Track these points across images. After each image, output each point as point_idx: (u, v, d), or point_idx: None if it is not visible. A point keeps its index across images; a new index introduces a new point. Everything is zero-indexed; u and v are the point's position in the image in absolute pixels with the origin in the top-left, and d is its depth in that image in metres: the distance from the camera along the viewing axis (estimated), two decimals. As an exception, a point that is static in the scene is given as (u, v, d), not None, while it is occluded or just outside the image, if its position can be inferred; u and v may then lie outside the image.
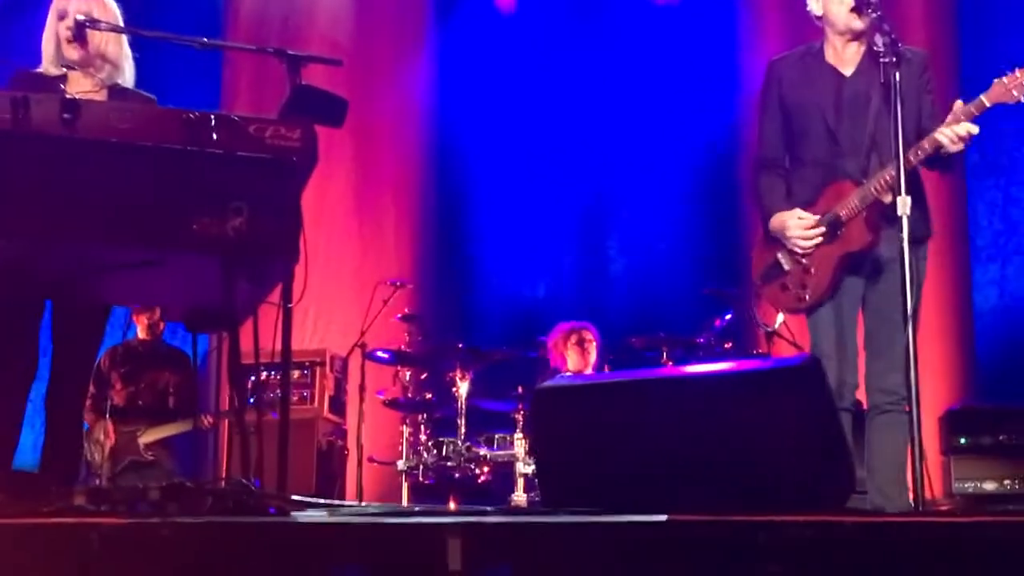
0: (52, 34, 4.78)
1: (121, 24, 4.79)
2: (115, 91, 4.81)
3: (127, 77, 4.93)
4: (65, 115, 3.56)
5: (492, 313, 10.11)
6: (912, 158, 4.73)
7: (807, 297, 5.03)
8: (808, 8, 5.18)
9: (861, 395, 5.00)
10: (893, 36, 4.69)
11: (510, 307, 10.14)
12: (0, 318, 4.49)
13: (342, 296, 9.62)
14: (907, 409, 4.34)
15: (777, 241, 5.12)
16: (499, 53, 10.48)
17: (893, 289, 4.58)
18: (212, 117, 3.72)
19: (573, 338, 8.40)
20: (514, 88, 10.41)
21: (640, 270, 10.12)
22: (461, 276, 10.31)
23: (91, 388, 7.70)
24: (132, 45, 4.97)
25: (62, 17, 4.74)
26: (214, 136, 3.68)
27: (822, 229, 4.99)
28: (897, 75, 4.59)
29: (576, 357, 8.36)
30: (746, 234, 8.96)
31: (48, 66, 4.77)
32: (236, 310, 3.96)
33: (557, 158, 10.37)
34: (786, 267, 5.09)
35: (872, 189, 4.86)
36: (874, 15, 4.84)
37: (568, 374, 8.09)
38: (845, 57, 5.11)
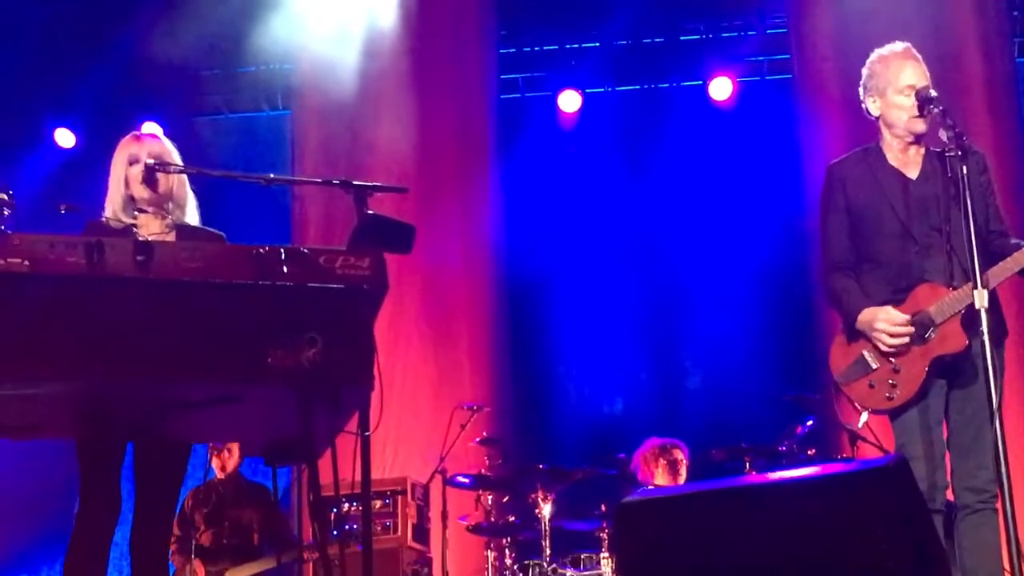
0: (120, 179, 4.87)
1: (182, 165, 4.89)
2: (184, 231, 4.89)
3: (192, 216, 5.00)
4: (139, 257, 3.59)
5: (571, 432, 10.05)
6: (994, 279, 4.69)
7: (895, 396, 4.93)
8: (863, 107, 5.16)
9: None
10: (958, 130, 4.65)
11: (589, 425, 10.08)
12: (82, 461, 4.52)
13: (420, 422, 9.59)
14: (999, 507, 4.23)
15: (861, 338, 5.04)
16: (563, 168, 10.60)
17: (977, 385, 4.50)
18: (282, 251, 3.74)
19: (664, 457, 8.31)
20: (580, 203, 10.49)
21: (716, 380, 10.05)
22: (538, 396, 10.29)
23: (176, 530, 7.73)
24: (206, 190, 5.06)
25: (132, 163, 4.84)
26: (284, 269, 3.69)
27: (911, 328, 4.91)
28: (964, 168, 4.55)
29: (666, 476, 8.27)
30: (819, 338, 8.86)
31: (117, 212, 4.86)
32: (314, 441, 3.93)
33: (626, 272, 10.39)
34: (873, 365, 5.00)
35: (965, 292, 4.78)
36: (936, 110, 4.81)
37: (651, 488, 7.95)
38: (908, 159, 5.07)
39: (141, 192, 4.81)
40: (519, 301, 10.51)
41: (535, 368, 10.40)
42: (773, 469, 7.68)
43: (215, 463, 8.37)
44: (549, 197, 10.55)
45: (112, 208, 4.88)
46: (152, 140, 4.94)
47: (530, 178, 10.62)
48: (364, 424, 3.89)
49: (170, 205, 4.89)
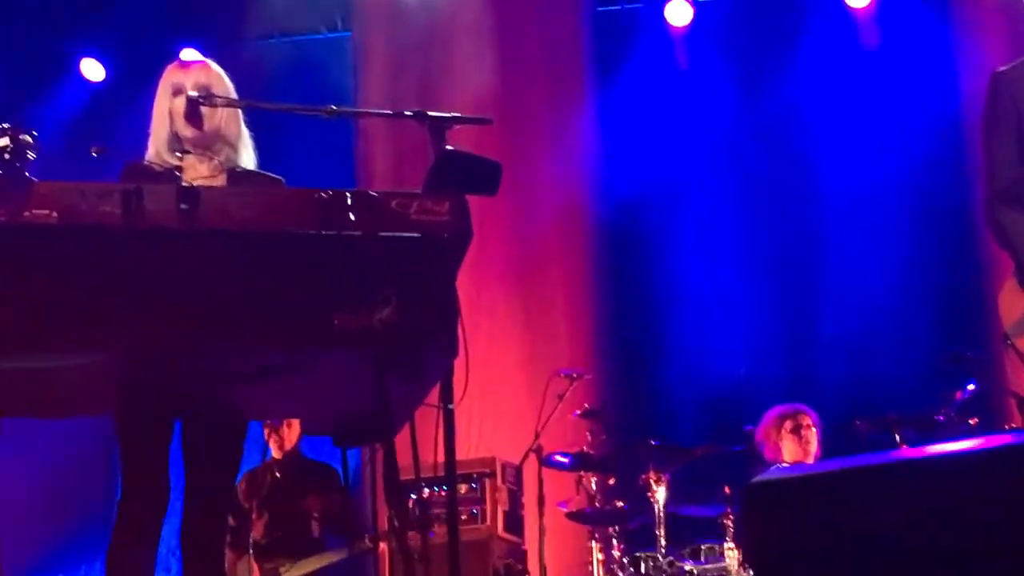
0: (164, 112, 4.88)
1: (236, 97, 4.90)
2: (236, 175, 4.90)
3: (247, 158, 5.03)
4: (183, 205, 3.63)
5: (687, 401, 10.01)
6: None
7: (1081, 354, 4.86)
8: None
9: None
10: None
11: (708, 393, 10.02)
12: (123, 444, 4.56)
13: (510, 393, 9.63)
14: None
15: (1038, 284, 4.95)
16: (672, 91, 10.50)
17: None
18: (348, 195, 3.76)
19: (787, 424, 8.28)
20: (693, 133, 10.41)
21: (858, 337, 9.93)
22: (647, 360, 10.25)
23: (231, 520, 7.81)
24: (254, 126, 5.08)
25: (177, 92, 4.86)
26: (351, 217, 3.72)
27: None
28: None
29: (793, 446, 8.23)
30: (983, 284, 8.76)
31: (161, 152, 4.88)
32: (390, 417, 3.96)
33: (748, 211, 10.31)
34: (1054, 315, 4.93)
35: None
36: None
37: (785, 466, 7.97)
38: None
39: (185, 129, 4.84)
40: (623, 248, 10.48)
41: (644, 327, 10.36)
42: (928, 443, 7.60)
43: (272, 441, 8.40)
44: (657, 126, 10.47)
45: (155, 147, 4.90)
46: (199, 68, 4.95)
47: (634, 104, 10.55)
48: (447, 395, 3.91)
49: (219, 144, 4.91)
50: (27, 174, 3.68)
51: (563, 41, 10.46)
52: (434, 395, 4.00)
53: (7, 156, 3.68)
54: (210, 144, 4.89)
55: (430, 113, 4.13)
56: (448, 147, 4.05)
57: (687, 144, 10.40)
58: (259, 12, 11.16)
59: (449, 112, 4.21)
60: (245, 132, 5.05)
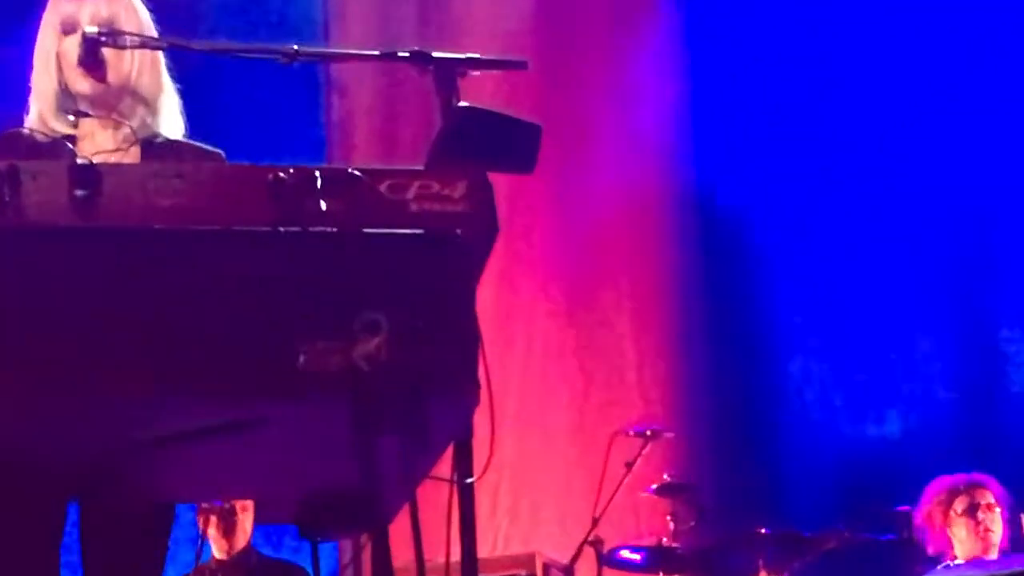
0: (50, 58, 4.89)
1: (156, 36, 4.89)
2: (154, 147, 4.90)
3: (171, 123, 5.02)
4: (77, 191, 3.60)
5: (812, 470, 10.03)
6: None
7: None
8: None
9: None
10: None
11: (841, 460, 10.06)
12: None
13: (556, 460, 9.63)
14: None
15: None
16: (784, 29, 10.49)
17: None
18: (317, 174, 3.72)
19: (960, 503, 8.23)
20: (816, 86, 10.39)
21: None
22: (753, 412, 10.25)
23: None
24: (182, 77, 5.07)
25: (68, 30, 4.85)
26: (322, 205, 3.68)
27: None
28: None
29: (968, 534, 8.18)
30: None
31: (46, 115, 4.88)
32: (381, 496, 3.93)
33: (899, 204, 10.32)
34: None
35: None
36: None
37: (958, 563, 7.96)
38: None
39: (80, 81, 4.83)
40: (717, 249, 10.51)
41: (748, 368, 10.38)
42: None
43: (212, 534, 8.40)
44: (763, 75, 10.48)
45: (38, 108, 4.90)
46: None
47: (738, 34, 10.55)
48: (464, 464, 3.88)
49: (130, 103, 4.91)
50: None
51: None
52: (445, 464, 3.96)
53: None
54: (117, 103, 4.89)
55: (435, 54, 4.09)
56: (463, 103, 4.02)
57: (808, 99, 10.41)
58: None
59: (464, 53, 4.18)
60: (169, 85, 5.05)
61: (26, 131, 4.88)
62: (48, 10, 4.91)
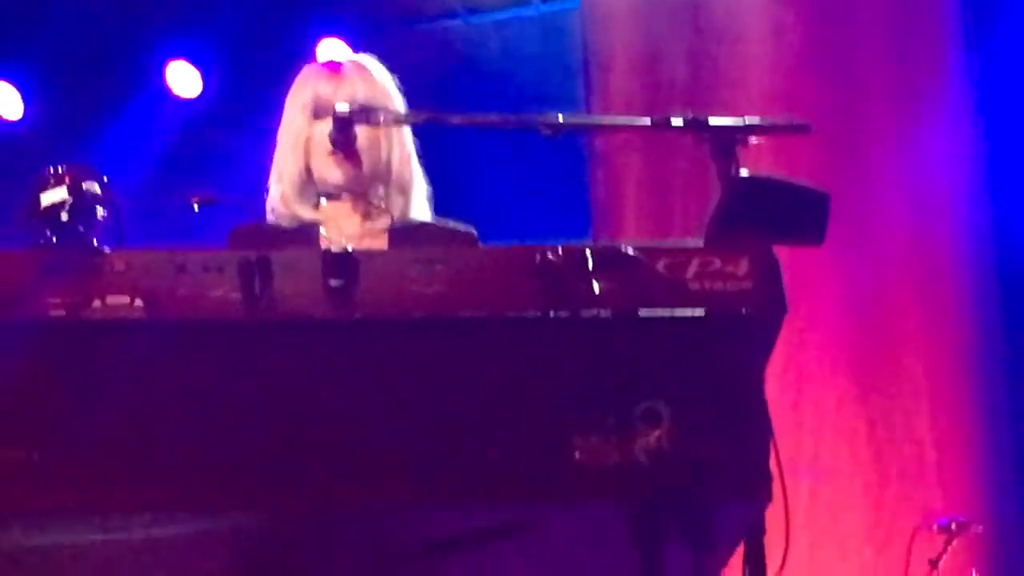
0: (298, 141, 4.93)
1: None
2: (403, 231, 4.93)
3: (421, 209, 5.05)
4: (332, 281, 3.63)
5: None
6: None
7: None
8: None
9: None
10: None
11: None
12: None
13: (852, 559, 9.54)
14: None
15: None
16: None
17: None
18: (588, 252, 3.72)
19: None
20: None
21: None
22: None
23: None
24: (426, 147, 5.12)
25: (320, 115, 4.89)
26: (595, 287, 3.68)
27: None
28: None
29: None
30: None
31: (289, 200, 4.93)
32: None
33: None
34: None
35: None
36: None
37: None
38: None
39: (331, 170, 4.86)
40: (1019, 314, 10.34)
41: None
42: None
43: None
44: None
45: (280, 191, 4.95)
46: (354, 73, 4.96)
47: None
48: (757, 569, 3.84)
49: (383, 189, 4.94)
50: (95, 241, 3.69)
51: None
52: (734, 569, 3.93)
53: (64, 216, 3.69)
54: (368, 189, 4.92)
55: (711, 120, 4.08)
56: (743, 172, 4.00)
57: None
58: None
59: (742, 119, 4.16)
60: (419, 172, 5.08)
61: (267, 219, 4.93)
62: (296, 87, 4.93)
